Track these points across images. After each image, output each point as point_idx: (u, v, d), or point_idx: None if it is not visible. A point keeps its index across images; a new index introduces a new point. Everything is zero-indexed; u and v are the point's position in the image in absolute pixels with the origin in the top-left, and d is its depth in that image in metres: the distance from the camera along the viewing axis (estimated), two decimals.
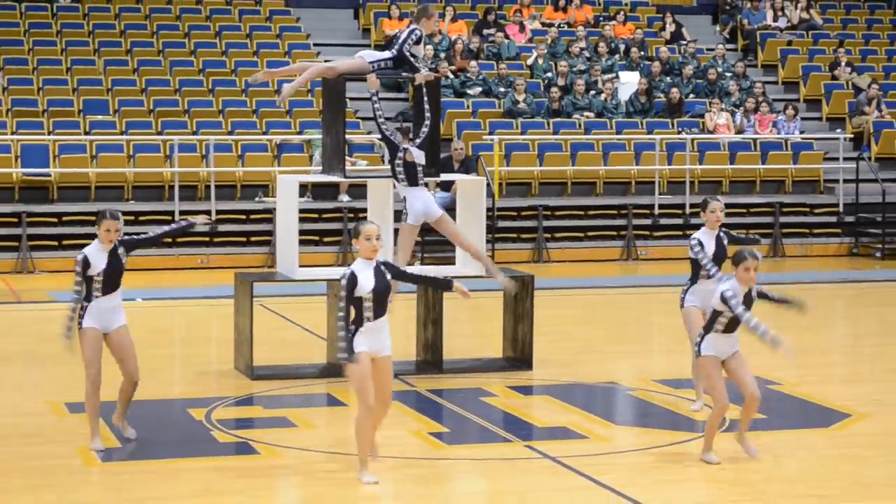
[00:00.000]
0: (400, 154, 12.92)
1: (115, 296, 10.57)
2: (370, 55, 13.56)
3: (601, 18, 29.97)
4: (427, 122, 13.09)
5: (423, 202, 13.10)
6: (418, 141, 13.03)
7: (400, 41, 13.55)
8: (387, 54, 13.53)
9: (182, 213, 22.52)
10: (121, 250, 10.59)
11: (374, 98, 13.06)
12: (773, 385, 13.15)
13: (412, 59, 13.47)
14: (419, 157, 12.97)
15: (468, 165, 22.84)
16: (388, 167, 13.27)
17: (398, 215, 13.50)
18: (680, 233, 24.64)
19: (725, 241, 12.17)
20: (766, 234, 24.88)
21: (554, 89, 26.33)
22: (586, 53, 28.19)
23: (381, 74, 13.53)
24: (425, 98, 13.23)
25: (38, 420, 11.65)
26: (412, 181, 13.04)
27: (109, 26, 27.18)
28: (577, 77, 26.87)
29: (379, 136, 13.07)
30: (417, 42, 13.52)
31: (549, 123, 25.76)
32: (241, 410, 12.59)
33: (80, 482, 9.97)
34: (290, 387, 13.36)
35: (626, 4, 31.18)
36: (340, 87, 13.93)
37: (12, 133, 23.40)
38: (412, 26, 13.62)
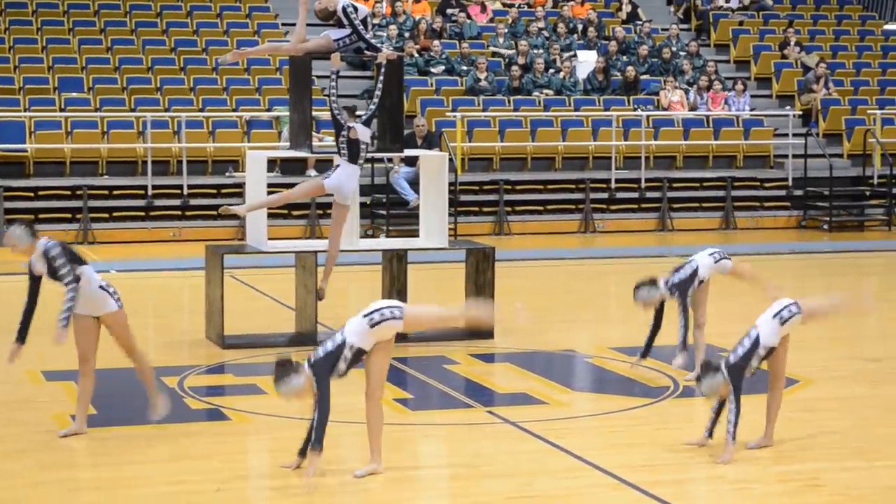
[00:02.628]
0: (344, 132, 12.79)
1: None
2: (336, 33, 13.49)
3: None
4: (375, 101, 12.97)
5: (341, 180, 12.81)
6: (364, 118, 12.91)
7: (349, 19, 13.37)
8: (347, 31, 13.44)
9: (154, 187, 22.45)
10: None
11: (333, 77, 12.96)
12: (724, 352, 13.17)
13: (362, 29, 13.37)
14: (363, 134, 12.81)
15: (431, 141, 22.81)
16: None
17: (363, 190, 13.46)
18: (636, 206, 24.73)
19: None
20: (718, 208, 24.98)
21: (514, 68, 26.30)
22: (545, 33, 28.17)
23: (345, 51, 13.47)
24: (381, 77, 13.15)
25: (15, 388, 11.60)
26: (353, 158, 12.88)
27: (84, 7, 26.99)
28: (536, 56, 26.85)
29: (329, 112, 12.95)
30: (355, 11, 13.41)
31: (509, 101, 25.73)
32: (213, 378, 12.57)
33: (57, 447, 9.93)
34: (260, 355, 13.34)
35: None
36: (307, 65, 13.89)
37: None
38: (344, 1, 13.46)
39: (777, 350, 9.88)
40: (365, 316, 9.14)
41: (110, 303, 10.17)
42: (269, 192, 14.23)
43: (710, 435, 9.92)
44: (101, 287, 10.14)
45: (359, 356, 9.13)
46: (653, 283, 11.89)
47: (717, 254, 12.27)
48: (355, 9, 13.38)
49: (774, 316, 9.87)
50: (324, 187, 12.94)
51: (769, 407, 10.03)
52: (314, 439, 8.94)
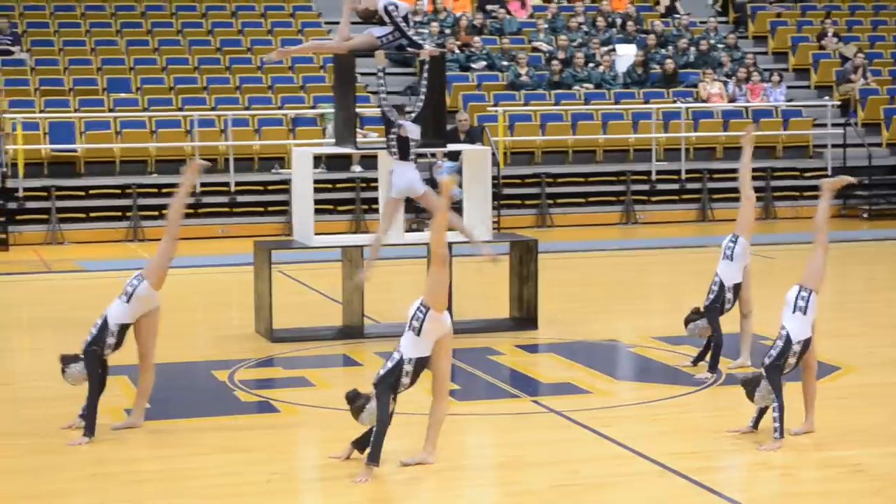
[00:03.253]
0: (394, 129, 12.79)
1: None
2: (378, 31, 13.51)
3: None
4: (422, 98, 12.93)
5: (407, 178, 12.80)
6: (413, 115, 12.90)
7: (391, 17, 13.40)
8: (389, 28, 13.45)
9: (202, 184, 22.56)
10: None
11: (380, 74, 12.93)
12: (765, 340, 13.17)
13: (405, 25, 13.38)
14: (413, 131, 12.75)
15: (473, 136, 22.82)
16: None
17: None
18: (676, 197, 24.67)
19: None
20: (759, 198, 24.81)
21: (555, 62, 26.28)
22: (584, 28, 28.14)
23: (388, 48, 13.46)
24: (425, 74, 13.15)
25: (65, 384, 11.71)
26: (403, 155, 12.86)
27: (131, 8, 27.14)
28: (576, 50, 26.82)
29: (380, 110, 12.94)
30: (396, 9, 13.41)
31: (550, 95, 25.72)
32: (262, 371, 12.63)
33: (110, 440, 10.01)
34: (308, 348, 13.40)
35: None
36: (350, 62, 13.93)
37: (40, 111, 23.41)
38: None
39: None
40: (410, 329, 9.20)
41: (152, 299, 10.25)
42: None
43: (756, 426, 9.91)
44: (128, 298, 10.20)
45: (422, 365, 9.19)
46: (698, 313, 11.91)
47: (726, 248, 12.14)
48: (396, 6, 13.38)
49: (794, 311, 9.86)
50: (398, 202, 13.06)
51: (806, 394, 10.02)
52: (371, 453, 8.97)
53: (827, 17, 29.55)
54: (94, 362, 9.98)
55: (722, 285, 11.92)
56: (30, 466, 9.43)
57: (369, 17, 13.46)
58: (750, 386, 9.77)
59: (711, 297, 11.87)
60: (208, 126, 23.26)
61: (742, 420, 10.05)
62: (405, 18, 13.44)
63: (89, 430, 9.92)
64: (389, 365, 9.15)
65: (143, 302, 10.22)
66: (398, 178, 12.82)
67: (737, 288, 11.96)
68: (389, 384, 9.09)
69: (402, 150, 12.77)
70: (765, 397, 9.71)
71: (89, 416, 9.96)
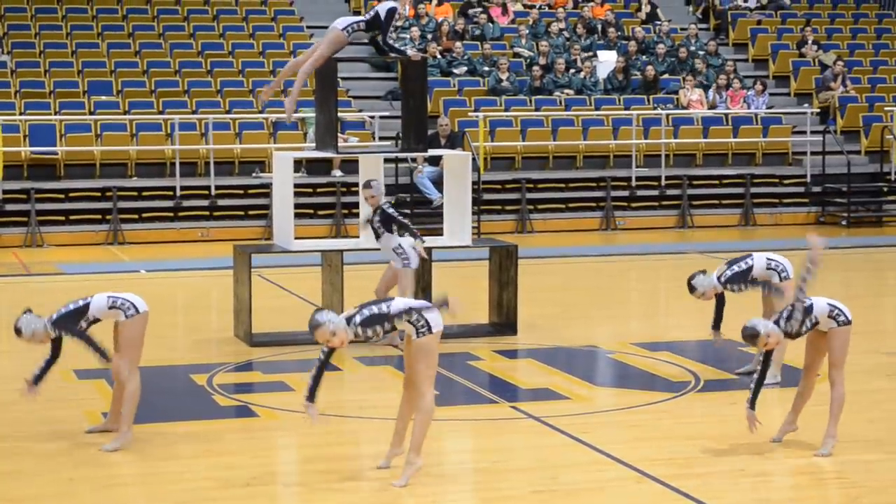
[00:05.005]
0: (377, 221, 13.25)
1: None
2: (342, 22, 13.59)
3: (580, 0, 29.92)
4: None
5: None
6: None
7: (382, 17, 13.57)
8: (360, 17, 13.63)
9: (183, 188, 22.51)
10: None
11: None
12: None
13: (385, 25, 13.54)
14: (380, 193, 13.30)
15: (454, 141, 22.81)
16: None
17: (388, 190, 13.51)
18: (656, 204, 24.70)
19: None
20: (737, 205, 24.92)
21: (535, 68, 26.30)
22: (566, 34, 28.16)
23: (356, 36, 13.59)
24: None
25: (47, 387, 11.65)
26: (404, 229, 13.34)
27: (113, 11, 27.07)
28: (557, 56, 26.84)
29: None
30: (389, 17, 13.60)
31: (531, 101, 25.73)
32: (241, 375, 12.61)
33: (90, 443, 9.97)
34: (287, 353, 13.38)
35: None
36: (332, 67, 13.92)
37: (20, 113, 23.33)
38: (387, 4, 13.66)
39: (819, 343, 9.84)
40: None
41: (120, 315, 10.03)
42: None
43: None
44: (110, 307, 10.01)
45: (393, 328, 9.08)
46: (704, 272, 11.80)
47: (773, 262, 12.09)
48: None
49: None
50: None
51: (801, 398, 9.98)
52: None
53: (807, 24, 29.62)
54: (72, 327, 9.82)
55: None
56: (7, 470, 9.39)
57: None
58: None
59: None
60: (189, 129, 23.21)
61: (720, 425, 10.03)
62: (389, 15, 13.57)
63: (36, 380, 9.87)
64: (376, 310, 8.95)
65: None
66: (409, 249, 13.36)
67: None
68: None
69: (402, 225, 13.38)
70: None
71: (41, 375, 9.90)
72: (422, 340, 8.94)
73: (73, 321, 9.81)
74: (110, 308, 9.89)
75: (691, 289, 11.74)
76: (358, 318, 8.88)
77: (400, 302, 9.03)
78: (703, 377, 12.14)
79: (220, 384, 12.01)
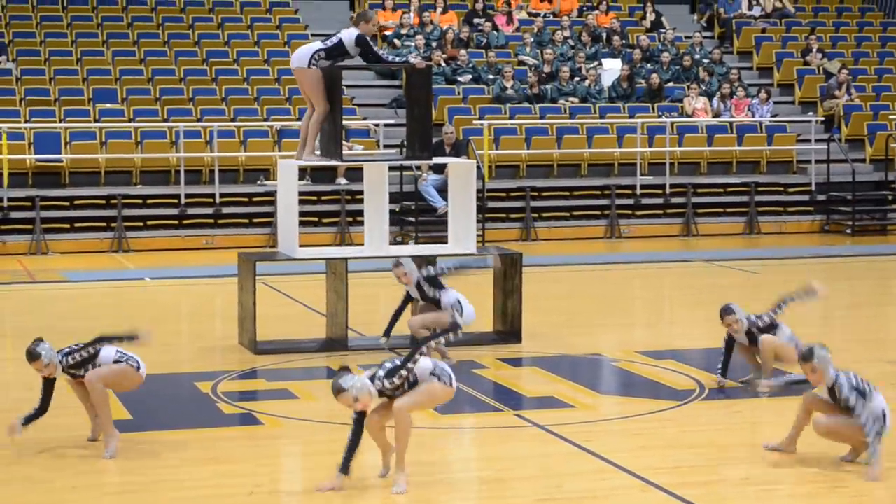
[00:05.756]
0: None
1: None
2: (302, 58, 13.60)
3: (585, 8, 29.93)
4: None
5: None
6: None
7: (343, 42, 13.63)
8: (317, 46, 13.64)
9: (187, 196, 22.51)
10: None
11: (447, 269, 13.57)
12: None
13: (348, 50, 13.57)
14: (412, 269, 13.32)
15: (459, 149, 22.82)
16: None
17: (392, 197, 13.48)
18: (660, 212, 24.69)
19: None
20: (742, 213, 24.91)
21: (530, 75, 26.31)
22: (570, 42, 28.16)
23: (321, 64, 13.62)
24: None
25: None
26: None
27: (117, 19, 27.11)
28: (562, 64, 26.84)
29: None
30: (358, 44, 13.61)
31: (535, 109, 25.73)
32: (245, 383, 12.59)
33: (92, 452, 9.96)
34: (292, 361, 13.36)
35: None
36: (338, 75, 13.91)
37: (26, 121, 23.35)
38: (352, 31, 13.66)
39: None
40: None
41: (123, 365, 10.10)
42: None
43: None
44: (115, 361, 10.07)
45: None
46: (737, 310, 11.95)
47: (793, 340, 12.07)
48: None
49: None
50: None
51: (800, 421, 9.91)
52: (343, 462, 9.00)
53: (811, 33, 29.62)
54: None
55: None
56: (11, 478, 9.38)
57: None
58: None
59: None
60: (194, 137, 23.22)
61: (725, 434, 10.01)
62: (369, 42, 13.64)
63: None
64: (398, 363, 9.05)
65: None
66: (464, 303, 13.37)
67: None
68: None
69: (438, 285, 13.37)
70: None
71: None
72: (437, 384, 9.09)
73: (81, 368, 9.96)
74: (115, 363, 10.01)
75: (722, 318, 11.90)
76: (381, 373, 9.00)
77: (428, 362, 9.15)
78: (708, 385, 12.12)
79: (224, 392, 11.99)
